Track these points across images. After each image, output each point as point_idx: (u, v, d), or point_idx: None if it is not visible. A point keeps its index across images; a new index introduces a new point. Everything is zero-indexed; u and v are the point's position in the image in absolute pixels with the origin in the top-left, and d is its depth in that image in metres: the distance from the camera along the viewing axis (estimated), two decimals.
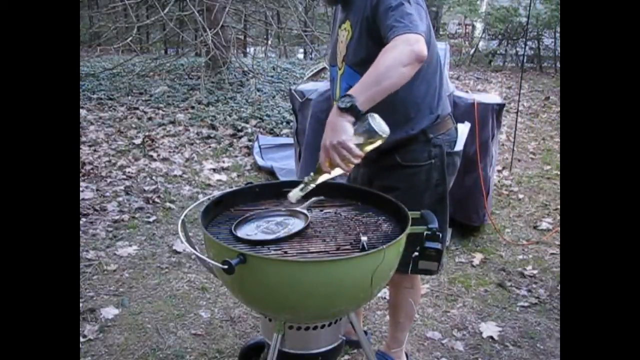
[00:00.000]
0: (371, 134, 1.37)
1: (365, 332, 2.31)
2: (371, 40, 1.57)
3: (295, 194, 1.50)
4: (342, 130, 1.35)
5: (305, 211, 1.57)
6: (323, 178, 1.48)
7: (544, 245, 3.32)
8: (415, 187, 1.73)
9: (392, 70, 1.37)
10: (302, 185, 1.49)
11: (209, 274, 2.64)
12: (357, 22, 1.61)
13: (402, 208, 1.52)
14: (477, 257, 3.11)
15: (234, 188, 1.92)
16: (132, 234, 3.31)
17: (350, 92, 1.38)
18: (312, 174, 1.49)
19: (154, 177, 4.26)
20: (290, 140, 4.24)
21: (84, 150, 4.72)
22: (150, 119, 5.75)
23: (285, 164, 4.34)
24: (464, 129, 1.87)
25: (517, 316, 2.54)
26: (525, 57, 10.00)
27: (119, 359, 2.16)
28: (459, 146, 1.80)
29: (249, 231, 1.48)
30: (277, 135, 5.38)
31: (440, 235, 1.41)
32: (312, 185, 1.49)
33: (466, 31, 14.36)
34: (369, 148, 1.40)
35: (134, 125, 5.49)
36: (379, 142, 1.39)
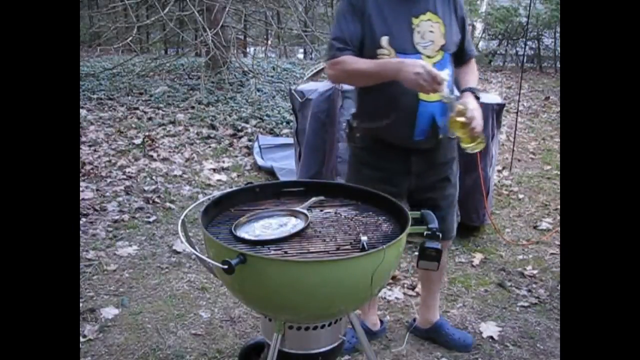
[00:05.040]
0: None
1: (382, 322, 2.36)
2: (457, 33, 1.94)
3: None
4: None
5: (305, 211, 1.57)
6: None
7: (544, 245, 3.32)
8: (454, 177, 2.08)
9: None
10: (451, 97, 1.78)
11: (209, 274, 2.63)
12: (445, 16, 1.86)
13: (402, 208, 1.52)
14: (477, 257, 3.11)
15: (234, 188, 1.92)
16: (132, 234, 3.31)
17: (472, 86, 1.93)
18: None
19: (154, 177, 4.26)
20: (290, 140, 4.24)
21: (84, 150, 4.72)
22: (150, 119, 5.75)
23: (285, 164, 4.34)
24: None
25: (517, 316, 2.54)
26: (525, 57, 10.00)
27: (119, 359, 2.16)
28: None
29: (249, 231, 1.48)
30: (277, 135, 5.38)
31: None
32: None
33: None
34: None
35: (134, 125, 5.49)
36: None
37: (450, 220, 2.13)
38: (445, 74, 1.70)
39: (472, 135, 1.78)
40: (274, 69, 8.22)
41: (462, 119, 1.76)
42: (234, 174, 4.47)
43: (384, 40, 1.80)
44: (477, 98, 1.86)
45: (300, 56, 11.92)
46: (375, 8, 1.81)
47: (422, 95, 1.80)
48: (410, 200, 2.03)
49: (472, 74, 2.00)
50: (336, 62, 1.81)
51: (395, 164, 1.95)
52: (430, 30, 1.82)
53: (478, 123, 1.76)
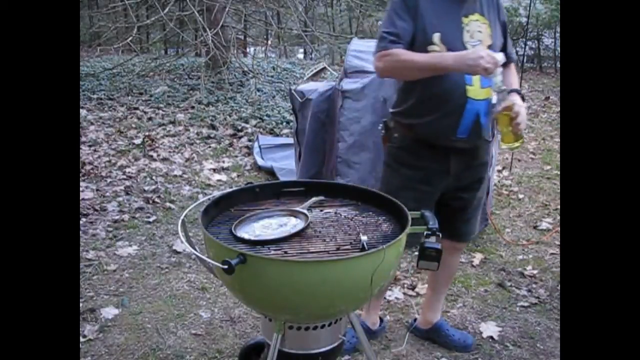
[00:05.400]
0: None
1: (381, 320, 2.37)
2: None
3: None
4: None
5: (305, 211, 1.57)
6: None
7: (544, 245, 3.32)
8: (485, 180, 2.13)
9: None
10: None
11: (209, 274, 2.63)
12: (490, 18, 1.93)
13: (402, 208, 1.52)
14: (477, 257, 3.10)
15: (234, 188, 1.93)
16: (132, 234, 3.31)
17: (515, 87, 1.99)
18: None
19: (154, 177, 4.26)
20: (290, 140, 4.24)
21: (84, 150, 4.72)
22: (150, 119, 5.75)
23: (285, 164, 4.34)
24: None
25: (517, 316, 2.54)
26: (525, 57, 9.99)
27: (119, 359, 2.17)
28: None
29: (249, 231, 1.48)
30: (277, 135, 5.38)
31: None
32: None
33: None
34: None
35: (134, 125, 5.49)
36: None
37: (473, 222, 2.15)
38: (501, 56, 1.73)
39: (516, 132, 1.84)
40: (274, 69, 8.21)
41: (509, 115, 1.82)
42: (234, 174, 4.47)
43: (436, 37, 1.83)
44: (523, 98, 1.92)
45: (300, 56, 11.92)
46: (428, 6, 1.85)
47: (470, 93, 1.84)
48: (441, 200, 2.04)
49: (514, 77, 2.06)
50: (387, 53, 1.84)
51: (435, 163, 1.96)
52: (478, 30, 1.89)
53: (524, 120, 1.83)
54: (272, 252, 1.37)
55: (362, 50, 3.47)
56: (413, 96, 1.93)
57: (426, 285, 2.74)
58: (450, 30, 1.86)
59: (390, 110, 2.06)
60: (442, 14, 1.86)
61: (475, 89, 1.86)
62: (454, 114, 1.87)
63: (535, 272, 2.97)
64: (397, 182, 1.98)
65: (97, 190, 3.93)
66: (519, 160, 5.12)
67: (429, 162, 1.96)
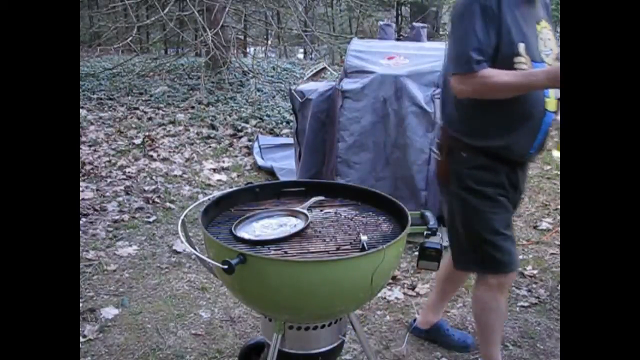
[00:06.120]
0: None
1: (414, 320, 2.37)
2: None
3: None
4: None
5: (305, 211, 1.57)
6: None
7: (544, 245, 3.32)
8: None
9: None
10: None
11: (209, 274, 2.63)
12: (550, 23, 1.82)
13: (402, 208, 1.52)
14: None
15: (234, 188, 1.93)
16: (132, 234, 3.31)
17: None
18: None
19: (154, 177, 4.26)
20: (290, 140, 4.24)
21: (84, 150, 4.72)
22: (150, 119, 5.76)
23: (285, 164, 4.34)
24: None
25: (517, 316, 2.54)
26: None
27: (119, 359, 2.17)
28: None
29: (249, 231, 1.48)
30: (277, 135, 5.38)
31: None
32: None
33: None
34: None
35: (134, 125, 5.49)
36: None
37: None
38: None
39: None
40: (274, 69, 8.21)
41: None
42: (234, 174, 4.47)
43: (522, 47, 1.67)
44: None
45: (300, 56, 11.93)
46: (510, 13, 1.66)
47: (548, 105, 1.75)
48: None
49: None
50: (474, 75, 1.65)
51: (507, 178, 1.85)
52: (548, 38, 1.77)
53: None
54: (272, 252, 1.37)
55: (362, 50, 3.47)
56: (486, 114, 1.75)
57: (426, 286, 2.74)
58: (531, 40, 1.70)
59: (448, 131, 1.86)
60: (522, 22, 1.68)
61: (551, 100, 1.76)
62: (533, 129, 1.75)
63: (535, 272, 2.96)
64: (485, 206, 1.81)
65: (97, 190, 3.93)
66: None
67: (504, 177, 1.83)
